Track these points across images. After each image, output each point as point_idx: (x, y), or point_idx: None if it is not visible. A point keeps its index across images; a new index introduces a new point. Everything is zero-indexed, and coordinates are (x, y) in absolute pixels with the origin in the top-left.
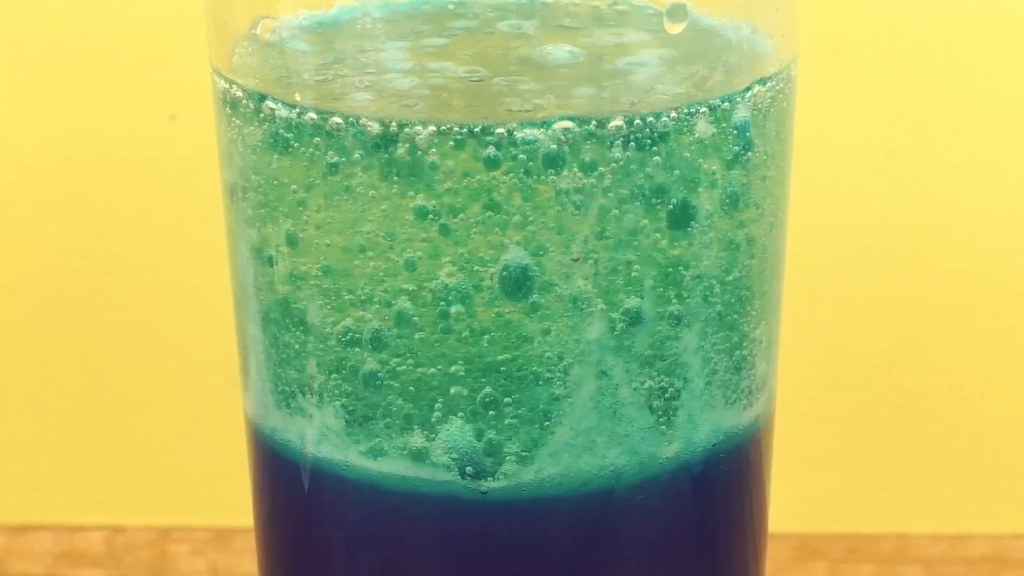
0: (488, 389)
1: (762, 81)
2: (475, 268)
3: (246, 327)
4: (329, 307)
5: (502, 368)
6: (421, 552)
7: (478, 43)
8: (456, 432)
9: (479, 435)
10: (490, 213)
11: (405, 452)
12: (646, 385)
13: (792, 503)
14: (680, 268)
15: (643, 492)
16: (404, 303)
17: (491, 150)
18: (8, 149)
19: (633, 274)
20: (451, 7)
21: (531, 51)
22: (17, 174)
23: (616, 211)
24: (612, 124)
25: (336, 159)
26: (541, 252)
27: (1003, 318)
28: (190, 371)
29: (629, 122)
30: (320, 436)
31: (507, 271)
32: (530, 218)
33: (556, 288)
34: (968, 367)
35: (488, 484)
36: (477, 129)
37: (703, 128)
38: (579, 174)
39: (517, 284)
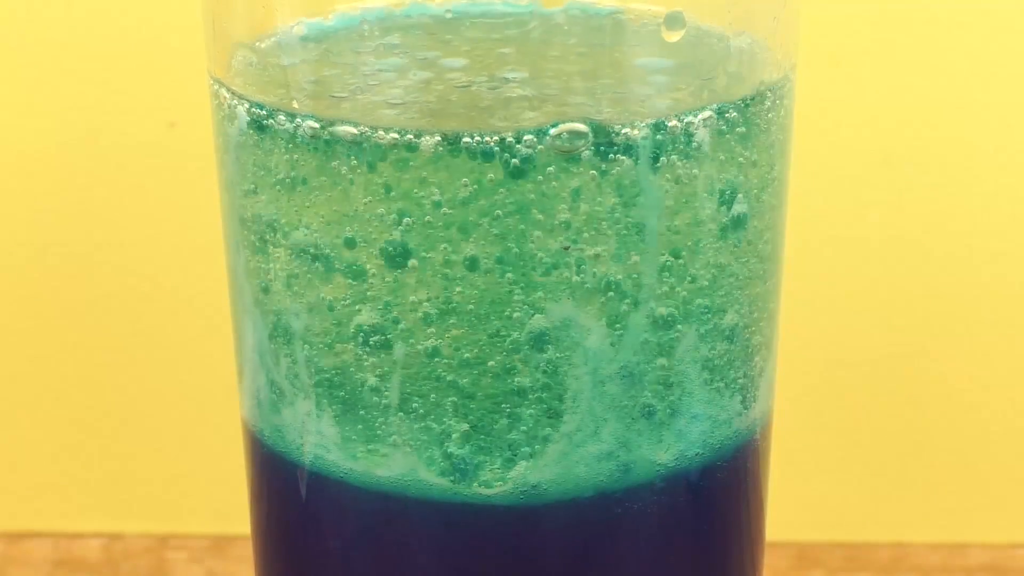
0: (484, 395)
1: (760, 89)
2: (472, 274)
3: (243, 334)
4: (326, 313)
5: (498, 375)
6: (418, 558)
7: (476, 51)
8: (453, 437)
9: (475, 440)
10: (488, 219)
11: (402, 457)
12: (642, 391)
13: (790, 511)
14: (677, 274)
15: (639, 499)
16: (401, 308)
17: (490, 157)
18: (7, 156)
19: (630, 279)
20: (448, 16)
21: (530, 59)
22: (16, 181)
23: (613, 217)
24: (611, 131)
25: (335, 167)
26: (540, 257)
27: (1001, 326)
28: (188, 378)
29: (628, 129)
30: (317, 442)
31: (503, 277)
32: (528, 223)
33: (552, 294)
34: (966, 375)
35: (484, 490)
36: (476, 137)
37: (702, 135)
38: (578, 179)
39: (512, 290)
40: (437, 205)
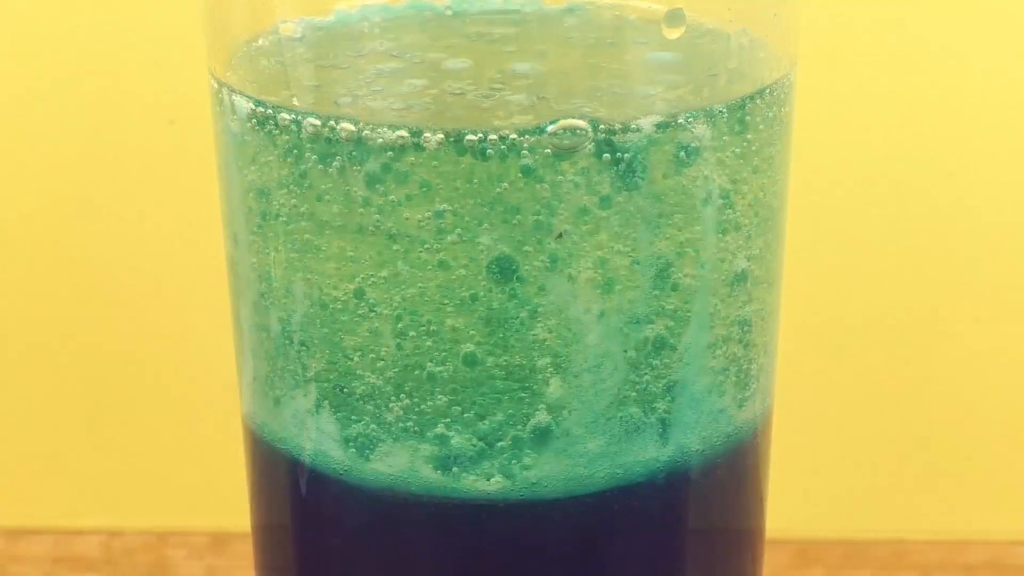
0: (484, 392)
1: (761, 87)
2: (470, 271)
3: (242, 331)
4: (325, 311)
5: (498, 371)
6: (418, 555)
7: (476, 49)
8: (452, 434)
9: (475, 437)
10: (488, 216)
11: (402, 455)
12: (642, 389)
13: (789, 508)
14: (677, 271)
15: (639, 496)
16: (399, 306)
17: (491, 155)
18: (6, 154)
19: (630, 276)
20: (449, 13)
21: (530, 57)
22: (15, 179)
23: (612, 215)
24: (611, 128)
25: (335, 164)
26: (539, 256)
27: (1001, 326)
28: (188, 375)
29: (628, 126)
30: (317, 440)
31: (504, 275)
32: (528, 220)
33: (552, 290)
34: (966, 373)
35: (484, 487)
36: (478, 135)
37: (702, 133)
38: (578, 178)
39: (513, 289)
40: (438, 203)
